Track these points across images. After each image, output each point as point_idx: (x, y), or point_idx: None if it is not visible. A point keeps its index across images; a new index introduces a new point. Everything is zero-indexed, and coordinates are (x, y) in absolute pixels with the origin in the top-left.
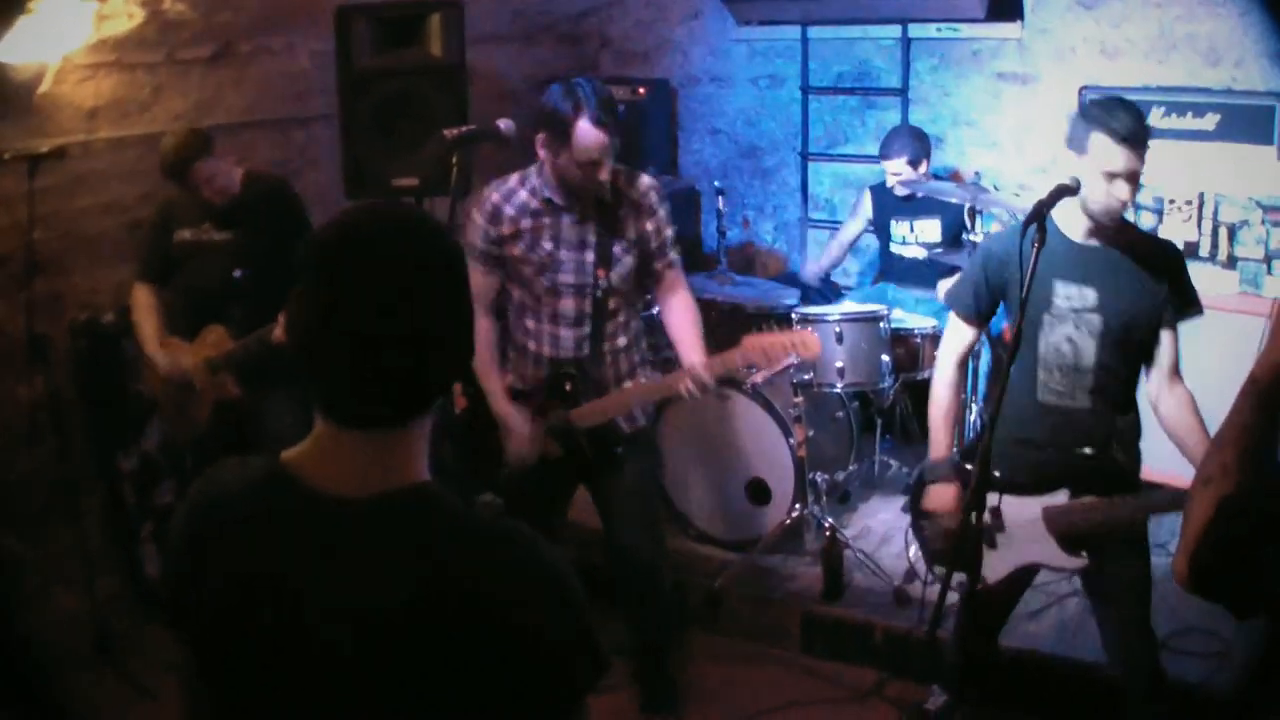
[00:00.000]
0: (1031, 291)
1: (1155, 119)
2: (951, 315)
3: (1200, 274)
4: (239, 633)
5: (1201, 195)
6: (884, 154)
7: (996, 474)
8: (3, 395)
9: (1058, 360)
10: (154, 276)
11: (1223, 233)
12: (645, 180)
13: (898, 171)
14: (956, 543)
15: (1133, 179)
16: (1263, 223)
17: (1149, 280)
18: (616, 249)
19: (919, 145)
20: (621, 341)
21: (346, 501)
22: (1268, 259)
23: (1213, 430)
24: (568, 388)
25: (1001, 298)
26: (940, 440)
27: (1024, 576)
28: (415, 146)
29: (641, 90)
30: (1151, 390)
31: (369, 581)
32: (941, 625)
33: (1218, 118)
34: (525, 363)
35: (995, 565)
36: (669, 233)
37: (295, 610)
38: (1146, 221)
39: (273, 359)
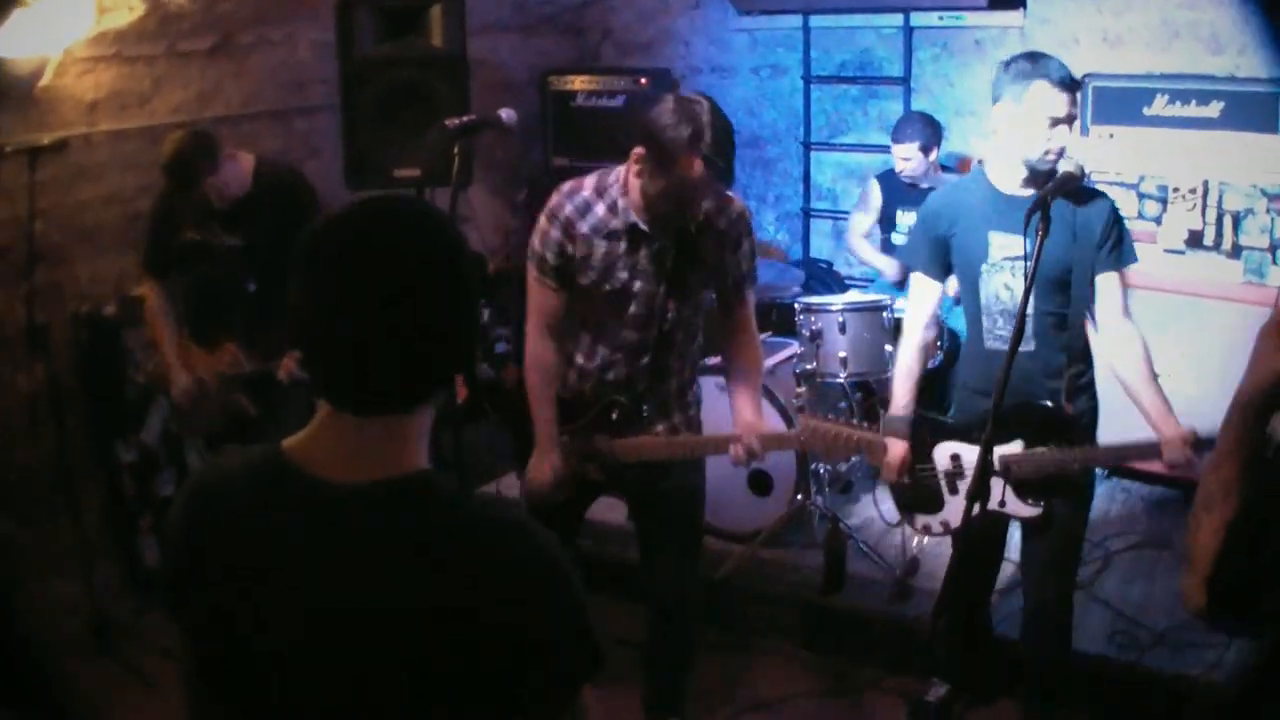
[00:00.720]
0: (963, 245)
1: (1159, 107)
2: (914, 275)
3: (1204, 263)
4: (236, 626)
5: (1206, 183)
6: (895, 138)
7: (949, 420)
8: (2, 386)
9: (999, 307)
10: (159, 271)
11: (1227, 221)
12: (736, 207)
13: (908, 157)
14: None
15: (1070, 123)
16: (1267, 211)
17: (1082, 227)
18: (693, 280)
19: (931, 131)
20: (676, 365)
21: (345, 491)
22: (1272, 248)
23: (1191, 398)
24: (614, 416)
25: (946, 248)
26: (897, 396)
27: (998, 523)
28: (417, 137)
29: (643, 81)
30: (1099, 334)
31: (366, 578)
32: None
33: (1221, 105)
34: (570, 372)
35: (955, 510)
36: (746, 268)
37: (293, 605)
38: (1150, 210)
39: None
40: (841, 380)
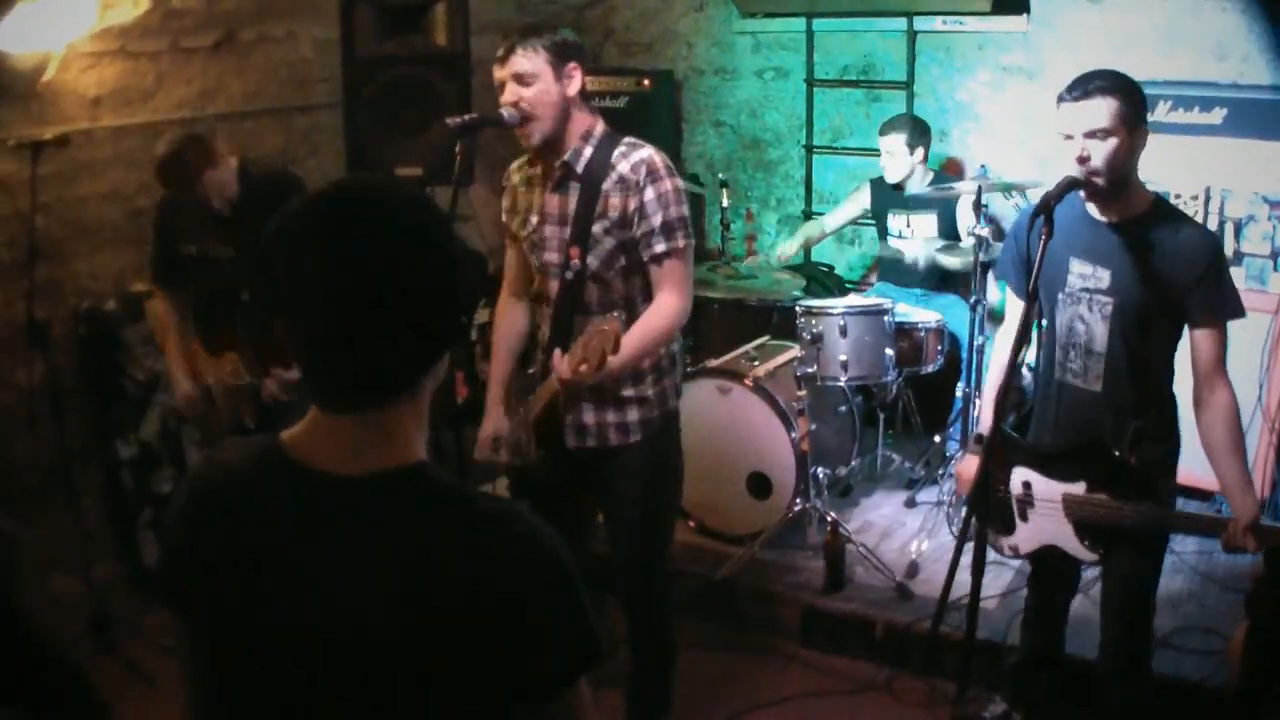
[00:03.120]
0: (1047, 269)
1: (1162, 113)
2: (1006, 290)
3: None
4: (236, 620)
5: (1208, 190)
6: (881, 132)
7: (1028, 444)
8: (2, 381)
9: (1071, 340)
10: (165, 282)
11: (1229, 228)
12: (641, 154)
13: (892, 150)
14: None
15: (1094, 137)
16: (1269, 218)
17: (1171, 270)
18: (596, 228)
19: (918, 130)
20: (579, 323)
21: (339, 482)
22: (1274, 255)
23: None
24: (530, 371)
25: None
26: (982, 413)
27: (1065, 556)
28: (418, 135)
29: (646, 81)
30: (1194, 394)
31: (359, 569)
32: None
33: (1224, 112)
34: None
35: (1024, 536)
36: (658, 220)
37: (288, 598)
38: None
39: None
40: (842, 384)
